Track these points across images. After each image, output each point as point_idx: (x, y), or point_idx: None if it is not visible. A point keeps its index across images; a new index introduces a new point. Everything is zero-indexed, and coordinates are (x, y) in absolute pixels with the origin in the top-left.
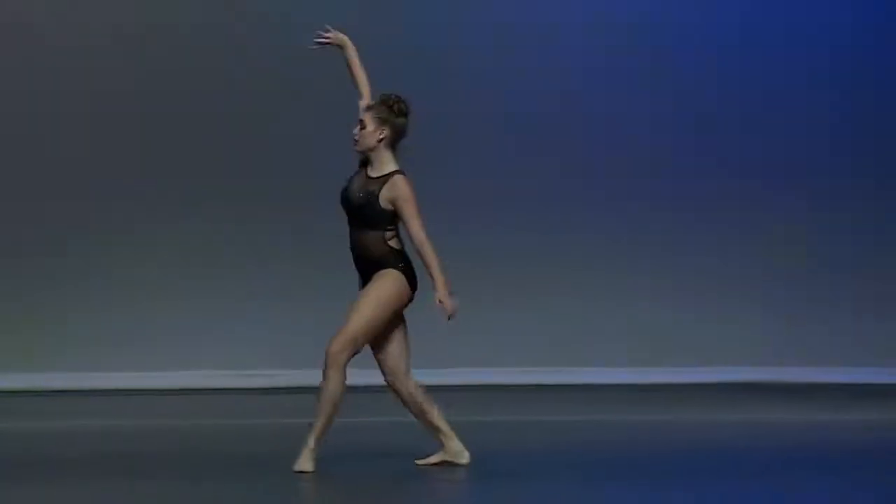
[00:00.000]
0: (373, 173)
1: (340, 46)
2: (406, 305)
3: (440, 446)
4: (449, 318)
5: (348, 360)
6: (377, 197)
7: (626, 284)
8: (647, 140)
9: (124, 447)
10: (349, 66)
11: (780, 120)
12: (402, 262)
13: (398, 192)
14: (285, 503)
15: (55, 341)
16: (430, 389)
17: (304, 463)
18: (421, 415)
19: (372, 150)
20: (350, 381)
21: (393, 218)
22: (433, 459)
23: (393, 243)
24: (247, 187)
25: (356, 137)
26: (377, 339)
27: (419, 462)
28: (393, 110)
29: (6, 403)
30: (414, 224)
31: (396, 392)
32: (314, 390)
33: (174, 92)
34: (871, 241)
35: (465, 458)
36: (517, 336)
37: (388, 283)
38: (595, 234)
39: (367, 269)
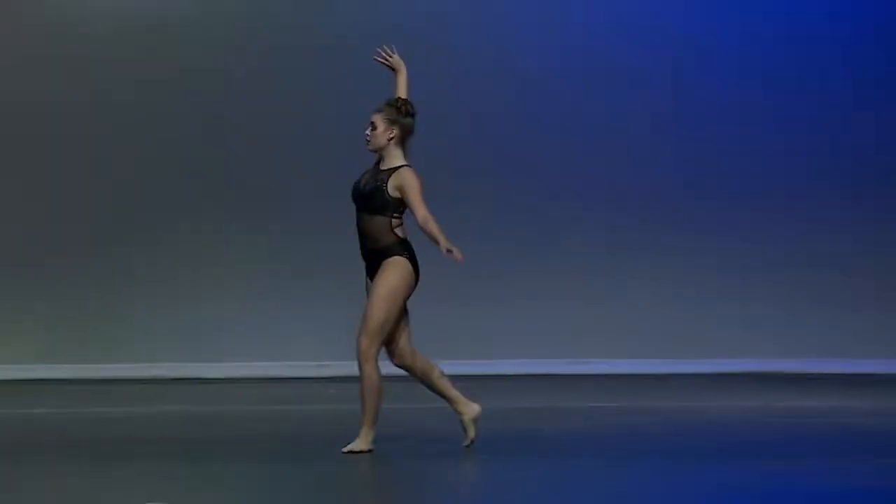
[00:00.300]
0: (383, 167)
1: (395, 70)
2: (413, 292)
3: (459, 418)
4: (458, 261)
5: (378, 351)
6: (385, 184)
7: (626, 284)
8: (646, 140)
9: (146, 432)
10: (395, 88)
11: (781, 120)
12: (408, 250)
13: (405, 181)
14: (346, 480)
15: (58, 338)
16: None
17: (361, 444)
18: (431, 384)
19: (383, 148)
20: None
21: (399, 205)
22: (468, 439)
23: (399, 231)
24: (247, 187)
25: (368, 138)
26: None
27: (466, 444)
28: (401, 111)
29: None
30: (419, 208)
31: (405, 369)
32: (312, 382)
33: (175, 92)
34: (872, 241)
35: (476, 410)
36: (517, 331)
37: (397, 274)
38: (594, 234)
39: (374, 259)
